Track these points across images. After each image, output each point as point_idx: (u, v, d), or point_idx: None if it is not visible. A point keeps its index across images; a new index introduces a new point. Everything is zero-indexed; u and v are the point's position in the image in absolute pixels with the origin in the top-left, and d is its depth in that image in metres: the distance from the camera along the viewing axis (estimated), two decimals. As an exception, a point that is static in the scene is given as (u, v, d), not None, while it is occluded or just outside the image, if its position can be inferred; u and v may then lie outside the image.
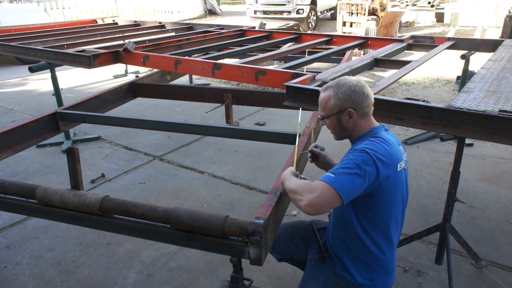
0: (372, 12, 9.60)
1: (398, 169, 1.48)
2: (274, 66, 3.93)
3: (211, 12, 18.99)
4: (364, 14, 9.23)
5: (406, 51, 4.04)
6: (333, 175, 1.36)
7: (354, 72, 2.77)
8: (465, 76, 4.06)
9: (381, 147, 1.44)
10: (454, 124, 1.84)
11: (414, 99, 2.56)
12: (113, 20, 6.27)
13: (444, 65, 7.77)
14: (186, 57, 3.26)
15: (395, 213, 1.56)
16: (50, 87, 4.74)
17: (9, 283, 2.45)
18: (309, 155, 1.85)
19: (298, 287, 1.73)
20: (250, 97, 3.43)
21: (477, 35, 9.81)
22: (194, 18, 17.44)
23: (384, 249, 1.58)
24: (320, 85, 2.28)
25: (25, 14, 9.23)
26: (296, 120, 2.09)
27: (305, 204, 1.32)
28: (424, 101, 1.93)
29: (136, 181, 3.71)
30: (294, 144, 2.06)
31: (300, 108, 2.15)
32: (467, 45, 3.92)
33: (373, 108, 1.59)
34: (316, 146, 1.84)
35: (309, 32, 9.07)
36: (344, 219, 1.60)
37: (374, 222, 1.53)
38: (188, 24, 5.71)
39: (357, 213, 1.54)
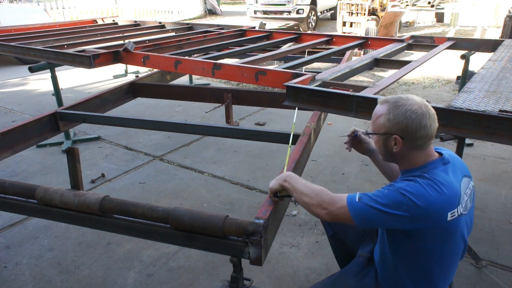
0: (372, 12, 9.60)
1: (449, 218, 1.29)
2: (274, 66, 3.93)
3: (211, 12, 18.99)
4: (364, 14, 9.23)
5: (406, 51, 4.04)
6: (358, 200, 1.30)
7: (354, 72, 2.78)
8: (465, 76, 4.06)
9: (426, 192, 1.25)
10: (454, 124, 1.84)
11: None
12: (113, 20, 6.27)
13: (444, 65, 7.77)
14: (186, 57, 3.26)
15: (442, 260, 1.40)
16: (50, 87, 4.73)
17: (9, 283, 2.45)
18: (350, 139, 1.74)
19: (337, 273, 1.70)
20: (250, 97, 3.44)
21: (477, 35, 9.81)
22: (194, 18, 17.44)
23: (422, 286, 1.44)
24: (320, 85, 2.28)
25: (25, 14, 9.22)
26: (296, 120, 2.09)
27: (325, 213, 1.33)
28: (424, 101, 1.94)
29: (136, 181, 3.71)
30: (294, 144, 2.06)
31: (296, 108, 2.14)
32: (467, 45, 3.92)
33: (432, 141, 1.37)
34: (363, 132, 1.69)
35: (309, 32, 9.07)
36: (383, 241, 1.50)
37: (413, 259, 1.41)
38: (188, 24, 5.71)
39: (393, 243, 1.44)
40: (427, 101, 1.40)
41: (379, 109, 1.41)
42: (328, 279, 1.67)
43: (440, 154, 1.43)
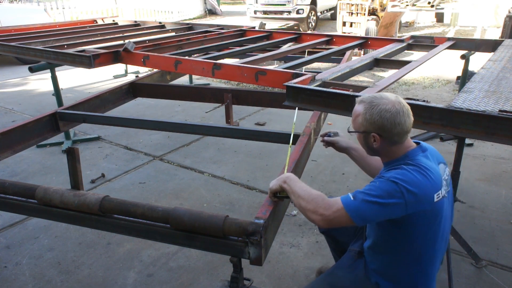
0: (372, 12, 9.60)
1: (436, 199, 1.37)
2: (274, 66, 3.93)
3: (211, 12, 18.99)
4: (364, 14, 9.23)
5: (406, 51, 4.04)
6: (352, 199, 1.34)
7: (354, 72, 2.77)
8: (465, 76, 4.05)
9: (415, 177, 1.34)
10: (454, 124, 1.84)
11: (414, 99, 2.55)
12: (113, 20, 6.27)
13: (444, 65, 7.77)
14: (186, 57, 3.26)
15: (431, 243, 1.47)
16: (50, 87, 4.73)
17: (9, 283, 2.45)
18: (325, 145, 1.88)
19: (330, 268, 1.76)
20: (250, 97, 3.44)
21: (477, 35, 9.81)
22: (194, 18, 17.43)
23: (415, 275, 1.51)
24: (320, 85, 2.28)
25: (25, 14, 9.22)
26: (296, 120, 2.09)
27: (319, 219, 1.35)
28: (424, 101, 1.93)
29: (136, 181, 3.71)
30: (294, 144, 2.06)
31: (297, 108, 2.15)
32: (467, 45, 3.92)
33: (408, 134, 1.46)
34: (328, 134, 1.84)
35: (309, 32, 9.07)
36: (374, 233, 1.58)
37: (404, 246, 1.48)
38: (188, 24, 5.71)
39: (384, 234, 1.50)
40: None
41: (357, 108, 1.49)
42: (323, 275, 1.74)
43: (417, 143, 1.52)
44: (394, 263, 1.52)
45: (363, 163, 1.85)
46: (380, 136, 1.43)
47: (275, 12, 12.30)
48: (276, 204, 1.53)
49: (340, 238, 1.93)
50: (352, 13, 9.47)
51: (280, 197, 1.53)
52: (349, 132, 1.57)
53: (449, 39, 3.94)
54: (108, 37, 4.75)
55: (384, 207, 1.31)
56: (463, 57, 3.82)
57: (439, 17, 14.18)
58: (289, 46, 4.21)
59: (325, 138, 1.86)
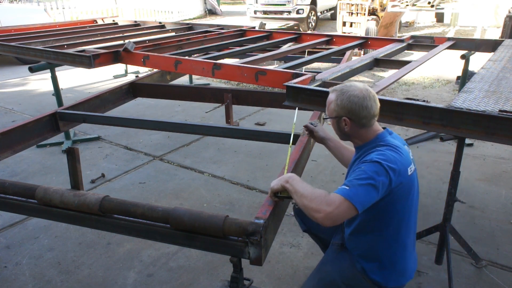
0: (372, 12, 9.60)
1: (409, 173, 1.52)
2: (274, 66, 3.93)
3: (211, 12, 18.98)
4: (364, 14, 9.23)
5: (406, 51, 4.04)
6: (347, 188, 1.39)
7: (354, 72, 2.78)
8: (465, 76, 4.05)
9: (391, 155, 1.47)
10: (454, 124, 1.84)
11: (414, 99, 2.55)
12: (113, 20, 6.27)
13: (444, 65, 7.77)
14: (186, 57, 3.26)
15: (407, 215, 1.60)
16: (50, 87, 4.73)
17: (9, 283, 2.45)
18: (306, 131, 1.98)
19: (317, 265, 1.82)
20: (250, 97, 3.44)
21: (477, 35, 9.80)
22: (194, 18, 17.43)
23: (395, 247, 1.62)
24: (320, 85, 2.28)
25: (25, 14, 9.22)
26: (296, 120, 2.09)
27: (323, 217, 1.36)
28: (424, 101, 1.94)
29: (136, 181, 3.71)
30: (294, 144, 2.06)
31: (297, 108, 2.15)
32: (467, 45, 3.92)
33: (375, 119, 1.59)
34: (311, 123, 1.97)
35: (309, 32, 9.07)
36: (354, 219, 1.66)
37: (384, 223, 1.57)
38: (188, 24, 5.71)
39: (367, 213, 1.55)
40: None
41: (330, 97, 1.64)
42: (312, 273, 1.80)
43: (383, 128, 1.66)
44: (376, 242, 1.62)
45: (338, 154, 1.95)
46: (350, 120, 1.57)
47: (275, 12, 12.30)
48: (276, 204, 1.53)
49: (322, 235, 2.02)
50: (352, 13, 9.47)
51: (281, 197, 1.53)
52: (324, 118, 1.70)
53: (449, 39, 3.94)
54: (108, 37, 4.75)
55: (377, 187, 1.41)
56: (463, 57, 3.82)
57: (439, 17, 14.18)
58: (289, 46, 4.21)
59: (308, 124, 1.97)
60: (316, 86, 2.23)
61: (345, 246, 1.76)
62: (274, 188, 1.52)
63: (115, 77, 7.69)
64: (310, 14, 12.36)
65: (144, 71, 7.50)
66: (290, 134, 2.09)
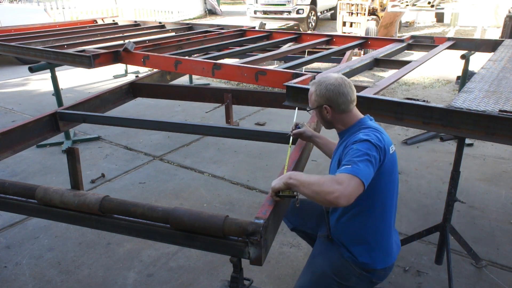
0: (372, 12, 9.60)
1: (391, 152, 1.62)
2: (274, 66, 3.93)
3: (211, 12, 18.98)
4: (364, 14, 9.23)
5: (406, 51, 4.04)
6: (349, 166, 1.44)
7: (354, 72, 2.78)
8: (465, 76, 4.06)
9: (375, 135, 1.57)
10: (454, 124, 1.84)
11: (414, 99, 2.55)
12: (113, 20, 6.27)
13: (444, 65, 7.77)
14: (186, 57, 3.26)
15: (391, 194, 1.69)
16: (50, 87, 4.73)
17: (9, 283, 2.45)
18: (294, 136, 2.01)
19: (308, 260, 1.86)
20: (250, 97, 3.43)
21: (477, 35, 9.80)
22: (194, 18, 17.43)
23: (381, 227, 1.69)
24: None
25: (25, 14, 9.22)
26: (296, 120, 2.09)
27: (338, 196, 1.37)
28: (424, 101, 1.95)
29: (136, 181, 3.71)
30: (294, 144, 2.06)
31: (297, 108, 2.16)
32: (467, 45, 3.92)
33: (353, 104, 1.71)
34: (297, 126, 2.02)
35: (309, 32, 9.07)
36: None
37: (371, 202, 1.64)
38: (188, 24, 5.71)
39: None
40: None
41: (310, 90, 1.76)
42: (303, 268, 1.85)
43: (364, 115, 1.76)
44: (363, 223, 1.68)
45: (327, 150, 2.00)
46: (330, 107, 1.68)
47: (275, 12, 12.30)
48: (276, 204, 1.53)
49: (309, 231, 2.08)
50: (352, 13, 9.47)
51: (282, 196, 1.52)
52: (307, 110, 1.82)
53: (449, 39, 3.94)
54: (108, 37, 4.75)
55: (372, 162, 1.48)
56: (463, 57, 3.82)
57: (439, 17, 14.18)
58: (289, 46, 4.21)
59: (293, 132, 2.00)
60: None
61: (331, 238, 1.81)
62: (276, 187, 1.52)
63: (115, 77, 7.69)
64: (310, 14, 12.36)
65: (144, 71, 7.50)
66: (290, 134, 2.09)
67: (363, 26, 9.18)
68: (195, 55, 3.81)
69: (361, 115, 1.73)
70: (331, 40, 4.31)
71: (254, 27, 5.58)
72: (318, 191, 1.41)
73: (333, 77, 1.71)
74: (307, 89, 2.14)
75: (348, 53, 4.01)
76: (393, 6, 9.84)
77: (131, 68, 7.82)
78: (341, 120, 1.71)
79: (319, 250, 1.85)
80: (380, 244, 1.71)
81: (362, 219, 1.68)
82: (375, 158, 1.50)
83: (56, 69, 4.23)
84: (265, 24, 10.64)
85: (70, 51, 3.48)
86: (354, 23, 9.45)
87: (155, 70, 4.26)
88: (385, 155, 1.56)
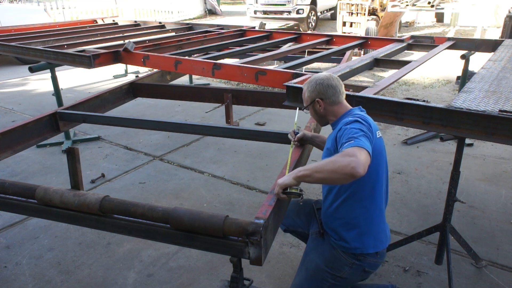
0: (372, 12, 9.60)
1: (377, 136, 1.70)
2: (274, 66, 3.93)
3: (211, 12, 18.99)
4: (364, 14, 9.23)
5: (406, 51, 4.04)
6: (352, 141, 1.49)
7: (354, 72, 2.78)
8: (465, 76, 4.06)
9: (362, 119, 1.66)
10: (454, 124, 1.84)
11: (414, 99, 2.56)
12: (113, 20, 6.28)
13: (444, 65, 7.77)
14: (186, 57, 3.26)
15: (380, 177, 1.74)
16: (50, 87, 4.74)
17: (9, 283, 2.45)
18: (295, 141, 2.04)
19: (302, 257, 1.93)
20: (250, 97, 3.43)
21: (477, 35, 9.81)
22: (194, 18, 17.44)
23: (371, 211, 1.74)
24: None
25: (25, 14, 9.23)
26: (297, 119, 2.09)
27: (355, 166, 1.38)
28: (424, 101, 1.96)
29: (136, 181, 3.71)
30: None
31: (298, 108, 2.16)
32: (467, 45, 3.92)
33: (343, 96, 1.81)
34: (296, 131, 2.05)
35: (309, 32, 9.07)
36: (332, 188, 1.80)
37: (361, 184, 1.69)
38: (188, 24, 5.71)
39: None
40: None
41: (303, 90, 1.87)
42: (299, 266, 1.94)
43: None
44: (354, 207, 1.73)
45: (323, 147, 2.01)
46: (322, 100, 1.78)
47: (275, 12, 12.30)
48: (276, 204, 1.53)
49: (300, 229, 2.13)
50: (352, 13, 9.47)
51: (289, 193, 1.52)
52: (303, 109, 1.91)
53: (449, 39, 3.94)
54: (108, 37, 4.75)
55: (368, 136, 1.56)
56: (463, 57, 3.82)
57: (439, 17, 14.19)
58: (289, 46, 4.21)
59: (296, 137, 2.03)
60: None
61: (322, 233, 1.87)
62: (286, 183, 1.52)
63: (115, 77, 7.69)
64: (310, 14, 12.36)
65: (144, 71, 7.50)
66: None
67: (363, 26, 9.18)
68: (195, 55, 3.81)
69: (350, 107, 1.83)
70: (331, 40, 4.31)
71: (254, 27, 5.58)
72: (334, 169, 1.42)
73: (322, 74, 1.85)
74: (307, 89, 2.15)
75: (348, 53, 4.01)
76: (393, 6, 9.84)
77: (131, 68, 7.82)
78: (333, 112, 1.81)
79: (311, 247, 1.91)
80: (371, 228, 1.75)
81: (353, 204, 1.73)
82: (368, 135, 1.57)
83: (56, 69, 4.23)
84: (265, 24, 10.64)
85: (70, 51, 3.48)
86: (354, 23, 9.45)
87: (155, 70, 4.26)
88: (373, 137, 1.62)
